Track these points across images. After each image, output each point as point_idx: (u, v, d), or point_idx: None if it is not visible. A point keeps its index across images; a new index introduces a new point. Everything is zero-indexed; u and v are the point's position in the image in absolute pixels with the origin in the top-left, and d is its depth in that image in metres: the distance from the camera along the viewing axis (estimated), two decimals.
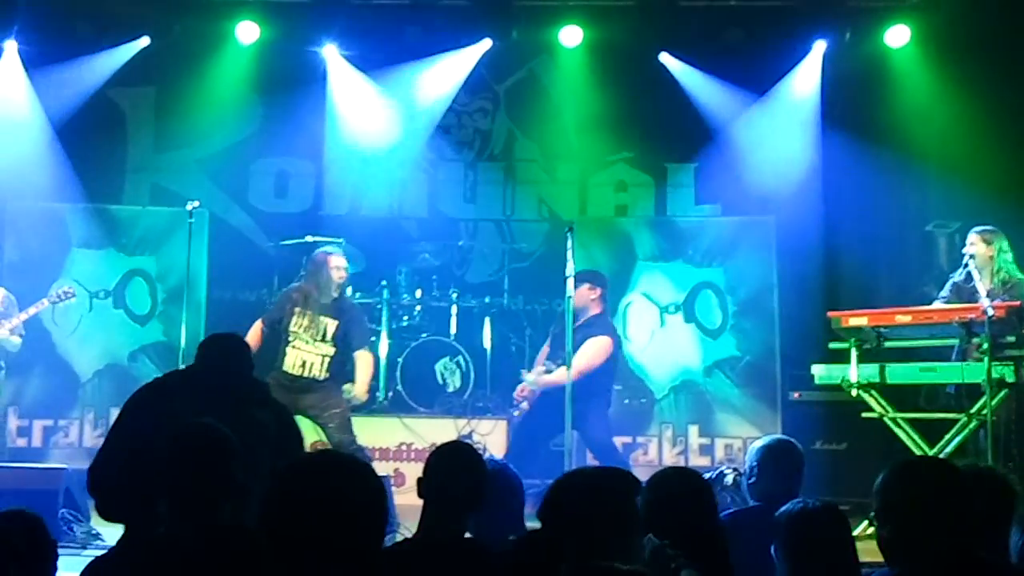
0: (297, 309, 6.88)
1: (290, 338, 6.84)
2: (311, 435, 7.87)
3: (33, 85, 9.14)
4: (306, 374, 6.83)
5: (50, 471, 6.34)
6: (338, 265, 6.93)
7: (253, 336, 6.81)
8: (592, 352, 6.93)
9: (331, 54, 9.38)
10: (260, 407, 4.13)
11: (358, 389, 6.94)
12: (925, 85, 8.84)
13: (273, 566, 2.22)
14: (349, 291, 8.74)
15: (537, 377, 7.23)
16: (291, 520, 2.21)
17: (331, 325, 6.89)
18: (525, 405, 7.35)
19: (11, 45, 9.05)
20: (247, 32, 9.17)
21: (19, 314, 7.40)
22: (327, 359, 6.88)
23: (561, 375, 7.30)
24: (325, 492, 2.23)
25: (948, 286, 6.89)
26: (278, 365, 6.84)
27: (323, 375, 6.87)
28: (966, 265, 6.66)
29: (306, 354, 6.84)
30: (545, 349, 7.51)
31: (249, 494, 2.99)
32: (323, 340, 6.87)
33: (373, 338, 8.10)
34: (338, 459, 2.43)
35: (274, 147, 9.82)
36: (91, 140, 9.40)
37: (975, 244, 6.75)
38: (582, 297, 6.98)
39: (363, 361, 7.02)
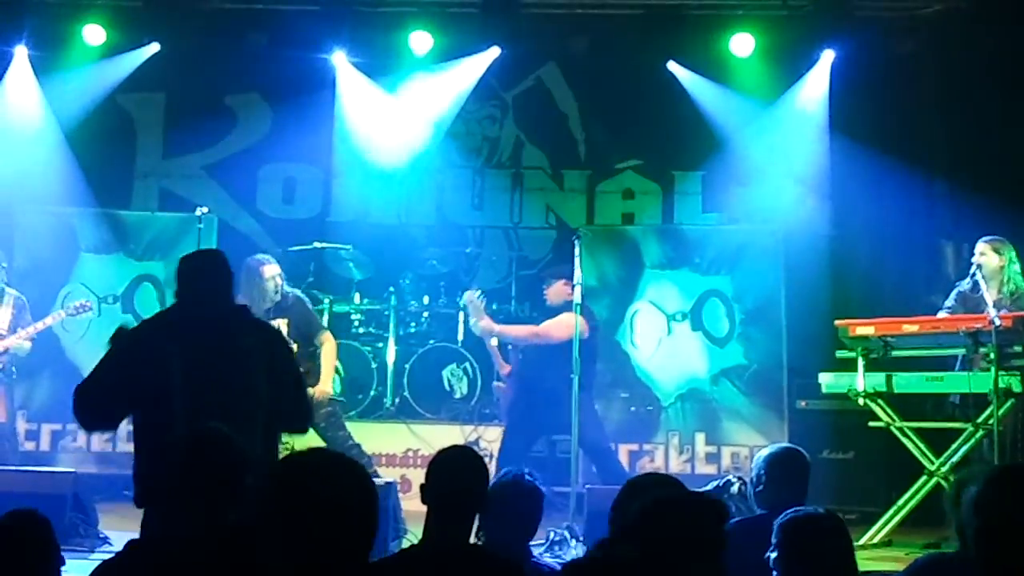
0: None
1: None
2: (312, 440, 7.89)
3: (43, 91, 9.19)
4: None
5: (58, 475, 6.34)
6: (273, 274, 6.74)
7: None
8: (555, 323, 6.88)
9: (340, 61, 9.41)
10: (244, 334, 4.20)
11: (319, 387, 6.66)
12: (933, 94, 8.83)
13: (269, 566, 2.21)
14: (358, 298, 8.81)
15: (486, 319, 7.14)
16: (280, 519, 2.21)
17: (283, 325, 6.76)
18: (502, 385, 7.31)
19: (21, 51, 9.11)
20: (255, 39, 9.20)
21: (35, 324, 7.43)
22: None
23: (518, 330, 7.27)
24: (313, 489, 2.22)
25: (954, 295, 6.87)
26: None
27: None
28: (973, 275, 6.64)
29: None
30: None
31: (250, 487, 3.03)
32: None
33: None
34: (326, 457, 2.40)
35: (282, 153, 9.85)
36: (100, 146, 9.44)
37: (985, 254, 6.72)
38: (559, 293, 6.99)
39: (326, 350, 6.82)
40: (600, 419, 7.29)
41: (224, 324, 4.21)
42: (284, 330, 6.75)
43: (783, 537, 3.10)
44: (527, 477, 3.93)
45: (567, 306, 6.88)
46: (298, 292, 7.14)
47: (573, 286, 6.80)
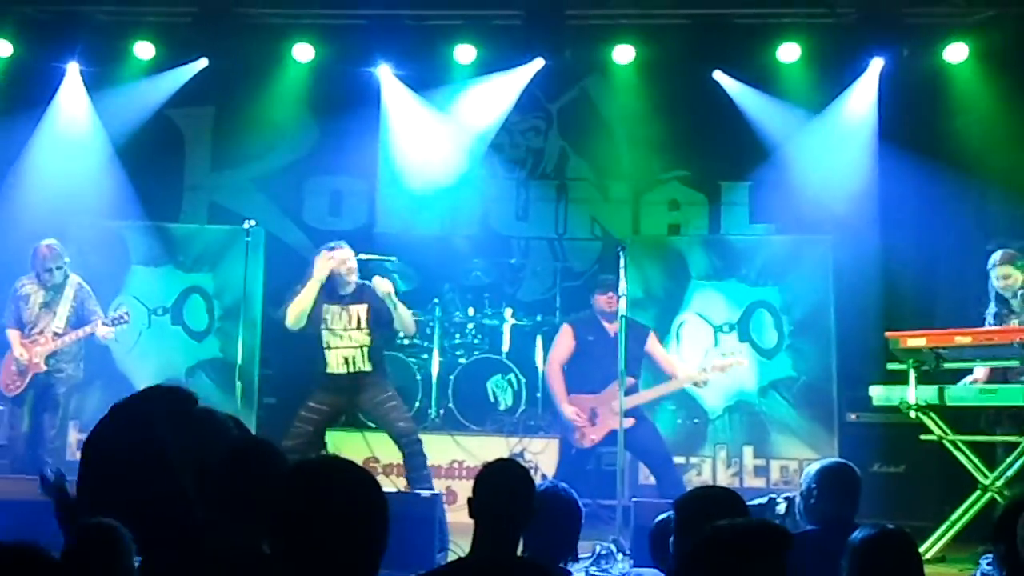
0: (325, 306, 6.85)
1: (326, 341, 6.83)
2: (362, 450, 7.92)
3: (94, 106, 9.35)
4: (351, 370, 6.81)
5: None
6: (340, 258, 6.85)
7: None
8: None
9: (385, 74, 9.46)
10: None
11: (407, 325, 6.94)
12: (984, 102, 8.70)
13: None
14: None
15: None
16: (287, 530, 2.20)
17: (362, 311, 6.86)
18: (592, 437, 7.31)
19: (73, 67, 9.27)
20: (303, 53, 9.29)
21: (75, 331, 7.53)
22: (365, 349, 6.83)
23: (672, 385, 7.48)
24: (321, 498, 2.21)
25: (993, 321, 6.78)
26: (322, 371, 6.86)
27: (367, 366, 6.83)
28: (1002, 298, 6.58)
29: (345, 350, 6.82)
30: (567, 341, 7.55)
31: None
32: (357, 328, 6.83)
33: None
34: (333, 466, 2.38)
35: (328, 166, 9.93)
36: (150, 159, 9.58)
37: (1010, 276, 6.66)
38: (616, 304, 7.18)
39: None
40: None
41: None
42: (364, 316, 6.83)
43: (857, 557, 3.04)
44: (563, 490, 3.91)
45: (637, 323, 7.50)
46: None
47: (618, 298, 6.88)
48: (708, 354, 8.42)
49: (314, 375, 6.94)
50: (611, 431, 7.10)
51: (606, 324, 7.41)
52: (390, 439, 6.98)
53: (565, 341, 7.57)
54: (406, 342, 8.81)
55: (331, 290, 6.88)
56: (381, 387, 6.90)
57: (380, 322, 6.90)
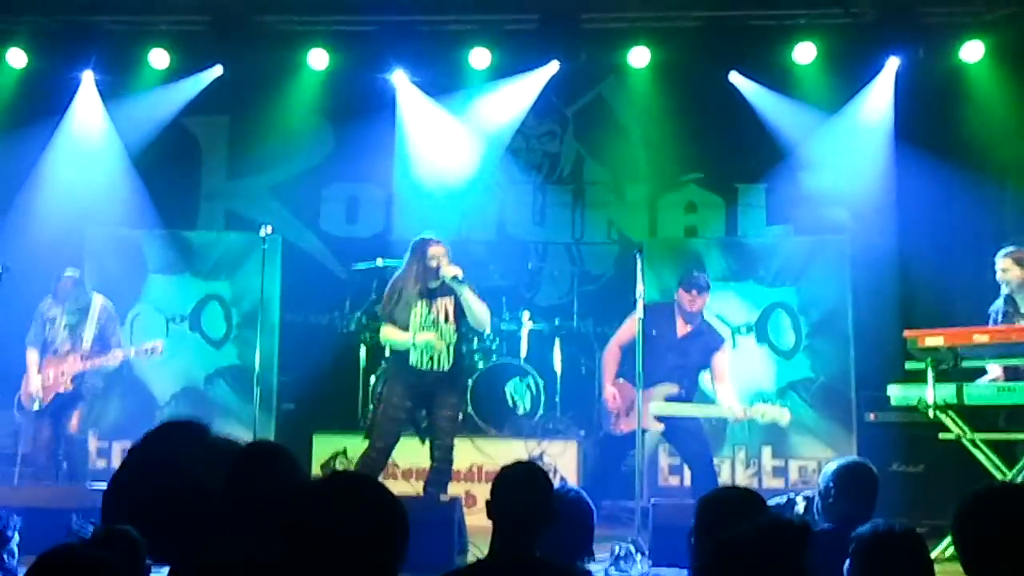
0: (415, 302, 6.65)
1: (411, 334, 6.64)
2: None
3: (110, 115, 9.40)
4: (434, 367, 6.62)
5: None
6: (435, 254, 6.68)
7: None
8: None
9: (400, 80, 9.48)
10: None
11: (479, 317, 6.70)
12: (1002, 101, 8.67)
13: None
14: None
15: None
16: (302, 547, 2.21)
17: (449, 304, 6.68)
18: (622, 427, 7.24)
19: (88, 76, 9.32)
20: (318, 60, 9.32)
21: (104, 356, 7.59)
22: (451, 348, 6.65)
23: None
24: (340, 515, 2.22)
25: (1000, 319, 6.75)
26: (403, 365, 6.67)
27: (447, 365, 6.64)
28: (1007, 297, 6.55)
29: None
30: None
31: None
32: (445, 321, 6.64)
33: None
34: (346, 482, 2.37)
35: (345, 173, 9.96)
36: (166, 168, 9.63)
37: (1008, 269, 6.64)
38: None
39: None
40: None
41: None
42: (451, 309, 6.68)
43: (859, 551, 3.02)
44: (572, 491, 3.91)
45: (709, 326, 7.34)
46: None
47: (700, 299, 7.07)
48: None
49: (394, 369, 6.78)
50: (643, 429, 7.03)
51: (679, 321, 7.25)
52: (417, 444, 6.85)
53: (632, 325, 7.36)
54: None
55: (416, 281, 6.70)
56: (453, 392, 6.73)
57: (463, 314, 6.71)
